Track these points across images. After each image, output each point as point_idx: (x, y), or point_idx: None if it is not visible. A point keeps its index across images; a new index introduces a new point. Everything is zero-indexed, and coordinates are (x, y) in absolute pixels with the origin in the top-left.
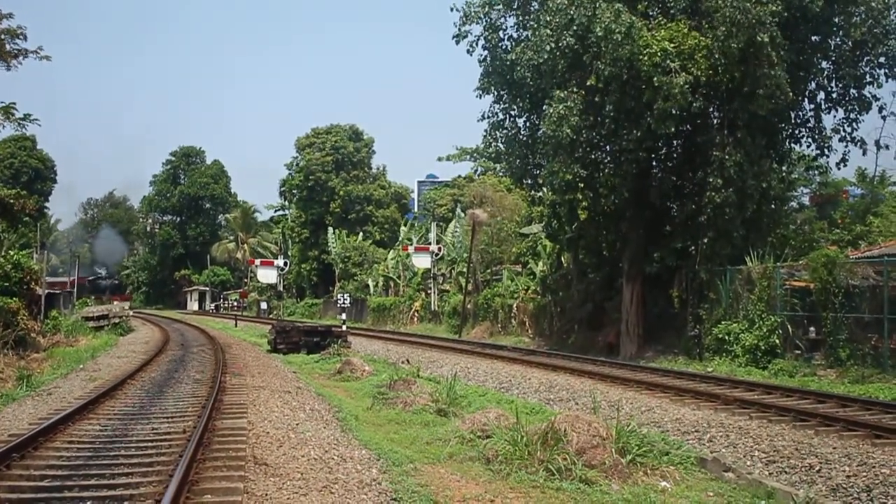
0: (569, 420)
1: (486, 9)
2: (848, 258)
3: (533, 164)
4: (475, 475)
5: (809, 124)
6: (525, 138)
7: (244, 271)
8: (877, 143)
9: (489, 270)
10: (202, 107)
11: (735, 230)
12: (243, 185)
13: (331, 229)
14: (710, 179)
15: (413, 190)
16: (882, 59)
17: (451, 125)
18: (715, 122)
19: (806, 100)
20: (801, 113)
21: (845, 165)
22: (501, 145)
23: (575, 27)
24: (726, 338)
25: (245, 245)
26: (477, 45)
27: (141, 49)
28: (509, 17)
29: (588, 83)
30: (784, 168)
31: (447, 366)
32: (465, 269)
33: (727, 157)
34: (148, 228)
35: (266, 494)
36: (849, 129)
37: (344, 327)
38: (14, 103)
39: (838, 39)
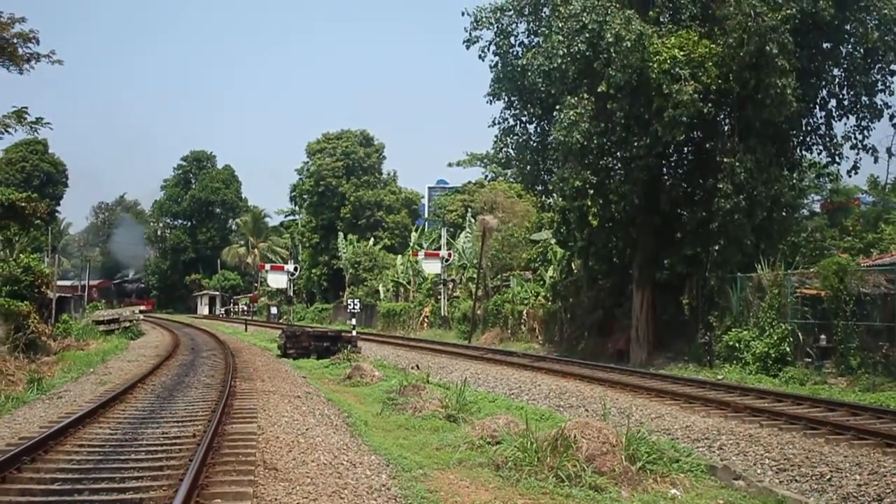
0: (579, 427)
1: (497, 14)
2: (859, 266)
3: (543, 170)
4: (485, 481)
5: (820, 132)
6: (536, 144)
7: (254, 276)
8: (888, 150)
9: (499, 276)
10: (213, 111)
11: (745, 237)
12: (254, 190)
13: (341, 234)
14: (721, 186)
15: (424, 195)
16: (894, 67)
17: (462, 131)
18: (725, 129)
19: (817, 107)
20: (812, 120)
21: (856, 173)
22: (512, 151)
23: (587, 34)
24: (737, 345)
25: (255, 250)
26: (488, 50)
27: (153, 51)
28: (520, 22)
29: (599, 90)
30: (795, 175)
31: (457, 371)
32: (475, 275)
33: (738, 164)
34: (159, 232)
35: (276, 499)
36: (860, 137)
37: (354, 332)
38: (26, 107)
39: (850, 46)
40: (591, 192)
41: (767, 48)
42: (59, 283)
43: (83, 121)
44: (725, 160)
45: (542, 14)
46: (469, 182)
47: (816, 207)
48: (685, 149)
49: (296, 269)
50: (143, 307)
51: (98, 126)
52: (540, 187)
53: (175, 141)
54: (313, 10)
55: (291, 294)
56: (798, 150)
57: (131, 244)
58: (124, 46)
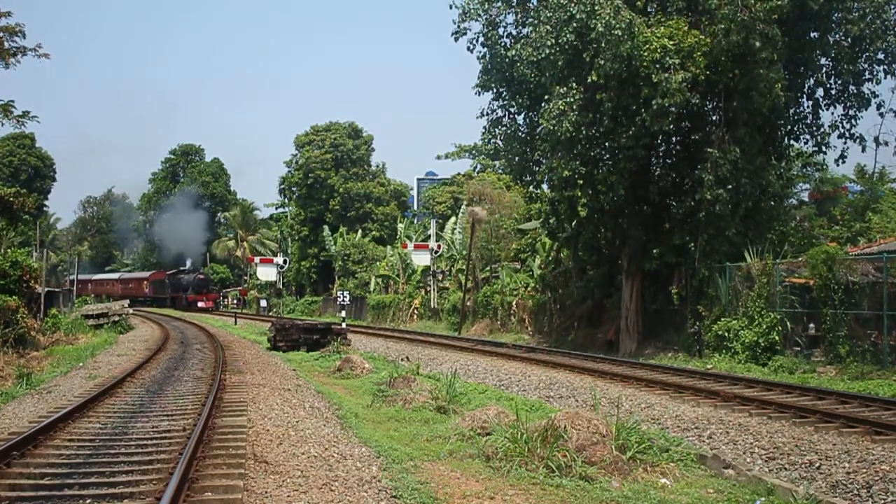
0: (569, 417)
1: (485, 5)
2: (847, 255)
3: (532, 160)
4: (475, 472)
5: (807, 121)
6: (524, 135)
7: (244, 269)
8: (876, 139)
9: (489, 268)
10: (201, 104)
11: (729, 227)
12: (243, 183)
13: (327, 227)
14: (705, 177)
15: (412, 187)
16: (881, 56)
17: (451, 123)
18: (713, 118)
19: (804, 96)
20: (799, 109)
21: (844, 162)
22: (500, 142)
23: (574, 24)
24: (726, 334)
25: (244, 243)
26: (476, 42)
27: (140, 47)
28: (508, 14)
29: (589, 80)
30: (782, 165)
31: (447, 363)
32: (464, 267)
33: (722, 154)
34: (147, 226)
35: (266, 492)
36: (847, 126)
37: (344, 325)
38: (13, 101)
39: (837, 35)
40: (580, 182)
41: (751, 41)
42: (82, 277)
43: (78, 119)
44: (709, 150)
45: (530, 4)
46: (458, 173)
47: (804, 196)
48: (673, 139)
49: (285, 261)
50: (201, 303)
51: (90, 123)
52: (528, 178)
53: (172, 137)
54: (302, 6)
55: (281, 287)
56: (786, 140)
57: (187, 228)
58: (119, 46)
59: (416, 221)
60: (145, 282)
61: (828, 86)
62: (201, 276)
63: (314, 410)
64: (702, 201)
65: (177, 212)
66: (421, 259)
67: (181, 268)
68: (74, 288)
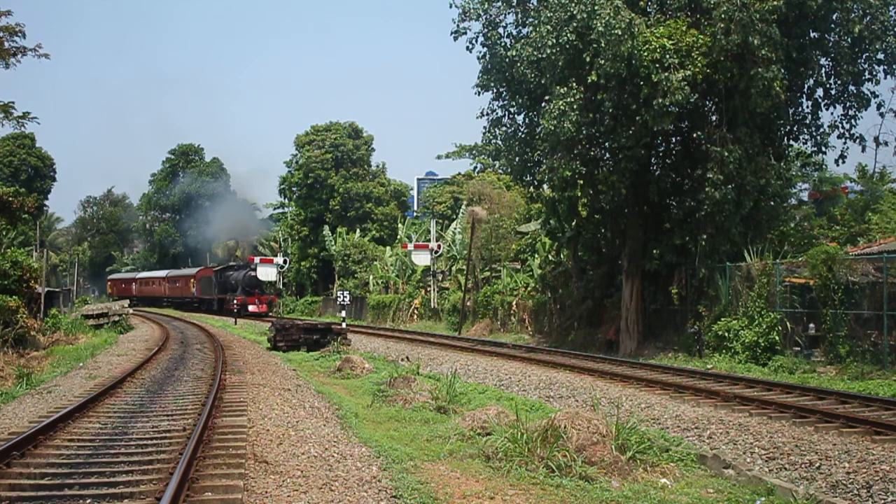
0: (569, 417)
1: (485, 5)
2: (847, 255)
3: (532, 161)
4: (475, 472)
5: (807, 121)
6: (524, 135)
7: None
8: (876, 139)
9: (489, 268)
10: (201, 104)
11: (733, 226)
12: (243, 183)
13: (327, 227)
14: (710, 175)
15: (413, 187)
16: (881, 56)
17: (451, 123)
18: (713, 118)
19: (804, 96)
20: (799, 109)
21: (844, 162)
22: (500, 142)
23: (575, 24)
24: (726, 334)
25: (245, 243)
26: (476, 42)
27: (140, 47)
28: (508, 14)
29: (589, 80)
30: (782, 165)
31: (447, 363)
32: (464, 267)
33: (727, 153)
34: (147, 226)
35: (266, 492)
36: (847, 126)
37: (344, 325)
38: (13, 102)
39: (837, 36)
40: (580, 182)
41: (750, 39)
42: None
43: (78, 117)
44: (715, 149)
45: (530, 4)
46: (458, 173)
47: (804, 196)
48: (673, 139)
49: (285, 261)
50: (253, 307)
51: (91, 122)
52: (528, 178)
53: (171, 137)
54: (302, 6)
55: (281, 287)
56: (786, 140)
57: (241, 216)
58: (122, 44)
59: (417, 222)
60: (192, 280)
61: (828, 86)
62: (252, 273)
63: (314, 410)
64: (704, 200)
65: (222, 199)
66: (421, 259)
67: (230, 263)
68: (75, 287)
